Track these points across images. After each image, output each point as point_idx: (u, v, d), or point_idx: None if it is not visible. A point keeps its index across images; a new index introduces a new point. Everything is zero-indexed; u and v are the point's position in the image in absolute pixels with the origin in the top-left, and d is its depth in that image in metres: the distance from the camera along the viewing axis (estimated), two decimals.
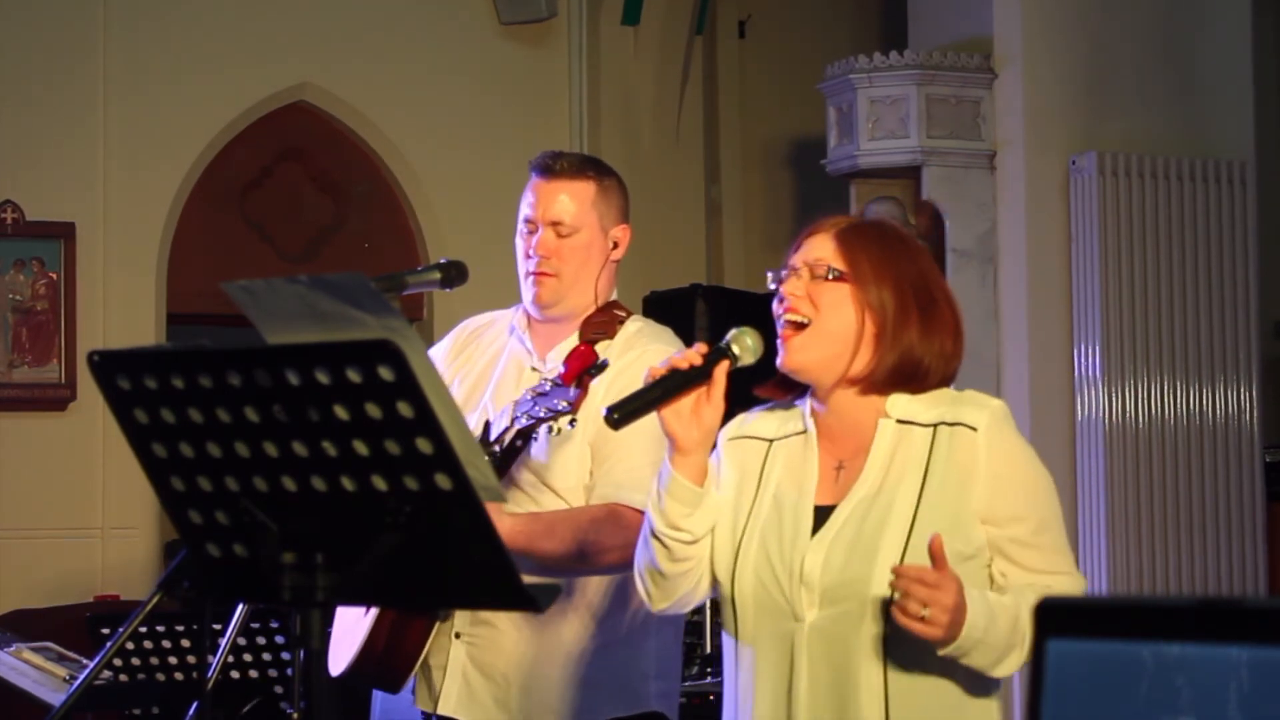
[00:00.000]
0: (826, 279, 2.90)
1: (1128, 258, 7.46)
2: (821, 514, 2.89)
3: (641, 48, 9.03)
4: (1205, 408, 7.52)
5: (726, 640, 2.99)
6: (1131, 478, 7.37)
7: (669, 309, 6.89)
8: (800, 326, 2.90)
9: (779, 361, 2.93)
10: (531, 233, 3.65)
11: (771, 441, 3.00)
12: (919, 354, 2.89)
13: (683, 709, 4.10)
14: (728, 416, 2.98)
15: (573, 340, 3.63)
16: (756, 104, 9.57)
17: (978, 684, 2.88)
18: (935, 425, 2.88)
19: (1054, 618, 1.42)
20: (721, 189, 9.40)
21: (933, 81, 7.47)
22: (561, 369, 3.56)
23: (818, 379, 2.92)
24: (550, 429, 3.45)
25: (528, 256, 3.65)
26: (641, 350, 3.57)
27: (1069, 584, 2.91)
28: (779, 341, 2.93)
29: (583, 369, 3.54)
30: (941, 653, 2.77)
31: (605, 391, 3.51)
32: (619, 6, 8.89)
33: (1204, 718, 1.34)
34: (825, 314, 2.89)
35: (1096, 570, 7.30)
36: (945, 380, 2.94)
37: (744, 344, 2.90)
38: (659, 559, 2.93)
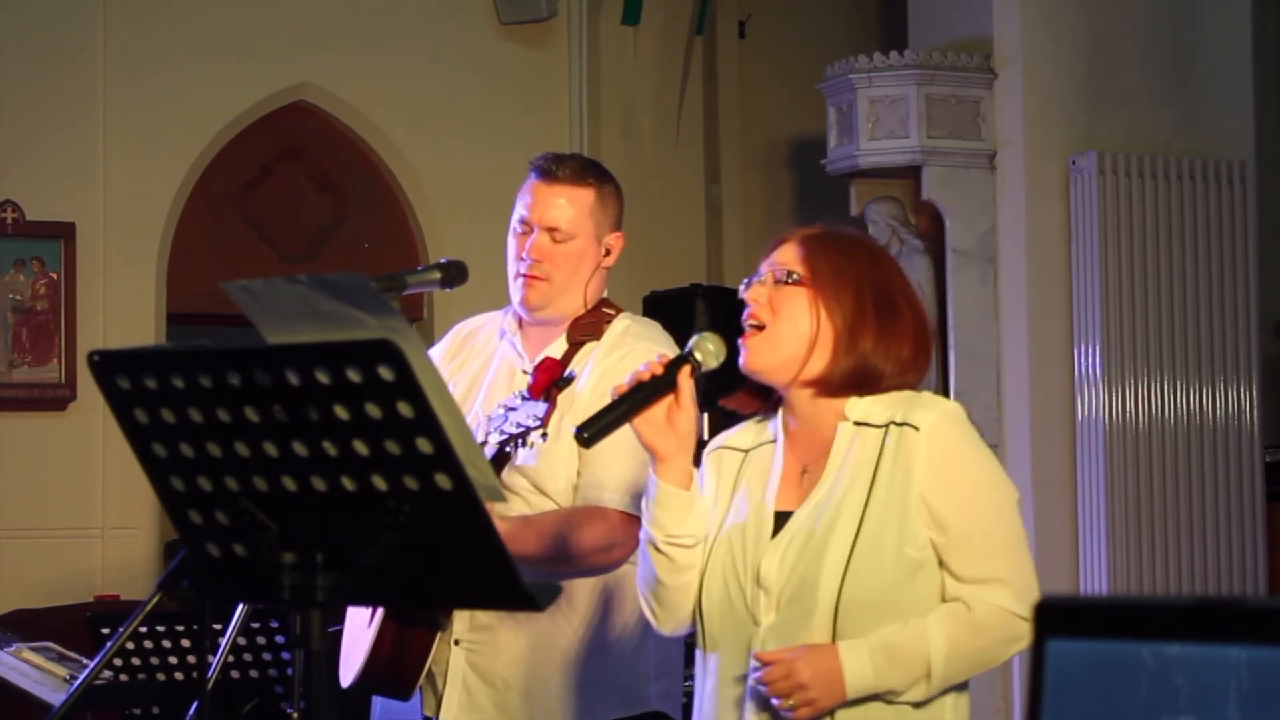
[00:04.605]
0: (786, 283, 2.94)
1: (1128, 258, 7.46)
2: (783, 519, 2.92)
3: (641, 48, 9.03)
4: (1205, 408, 7.52)
5: (697, 654, 3.01)
6: (1131, 478, 7.37)
7: (669, 309, 6.89)
8: (759, 330, 2.94)
9: (740, 364, 2.95)
10: (525, 234, 3.64)
11: (747, 452, 3.03)
12: (873, 360, 2.91)
13: (686, 709, 4.10)
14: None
15: (561, 343, 3.63)
16: (756, 104, 9.56)
17: None
18: (886, 425, 2.89)
19: (1054, 618, 1.42)
20: (721, 189, 9.40)
21: (933, 81, 7.47)
22: (530, 380, 3.57)
23: (774, 380, 2.95)
24: (521, 443, 3.46)
25: (519, 258, 3.65)
26: (627, 350, 3.57)
27: (1000, 594, 2.84)
28: (740, 345, 2.96)
29: (550, 382, 3.55)
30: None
31: (591, 393, 3.52)
32: (619, 6, 8.88)
33: (1204, 718, 1.34)
34: (781, 318, 2.93)
35: (1096, 570, 7.30)
36: (902, 388, 2.95)
37: (705, 349, 2.93)
38: (662, 572, 2.95)
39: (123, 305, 8.02)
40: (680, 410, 2.89)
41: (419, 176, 8.67)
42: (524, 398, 3.54)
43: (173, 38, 8.19)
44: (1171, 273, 7.53)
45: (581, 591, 3.55)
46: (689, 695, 5.50)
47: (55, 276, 7.90)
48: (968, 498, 2.87)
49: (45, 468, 7.86)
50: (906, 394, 2.93)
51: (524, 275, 3.63)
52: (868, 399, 2.92)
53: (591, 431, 2.84)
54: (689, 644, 6.09)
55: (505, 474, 3.52)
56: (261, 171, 8.56)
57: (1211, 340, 7.55)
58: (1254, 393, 7.60)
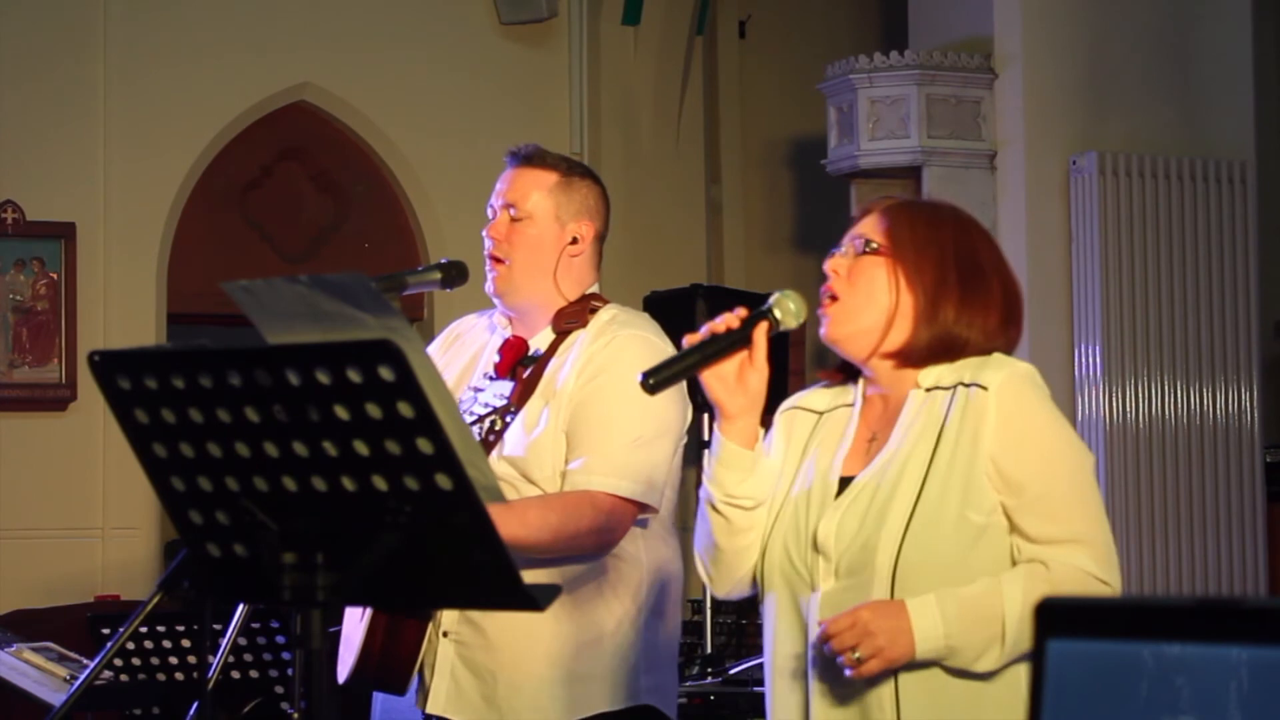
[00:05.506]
0: (865, 253, 2.86)
1: (1128, 258, 7.46)
2: (847, 484, 2.84)
3: (641, 48, 9.03)
4: (1205, 408, 7.52)
5: (764, 613, 2.93)
6: (1131, 478, 7.37)
7: (669, 309, 6.88)
8: (834, 301, 2.86)
9: (820, 334, 2.88)
10: (492, 217, 3.70)
11: (821, 414, 2.95)
12: (956, 330, 2.83)
13: (683, 709, 4.08)
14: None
15: (547, 333, 3.63)
16: (756, 104, 9.56)
17: None
18: (954, 387, 2.81)
19: (1054, 618, 1.42)
20: (722, 189, 9.40)
21: (933, 81, 7.47)
22: (497, 358, 3.58)
23: (852, 351, 2.87)
24: (492, 424, 3.46)
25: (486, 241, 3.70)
26: (612, 336, 3.56)
27: (1079, 556, 2.78)
28: (820, 315, 2.89)
29: (515, 360, 3.55)
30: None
31: (576, 380, 3.51)
32: (619, 6, 8.89)
33: (1204, 718, 1.34)
34: (858, 288, 2.85)
35: None
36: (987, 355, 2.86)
37: (786, 307, 2.82)
38: (718, 534, 2.87)
39: (123, 305, 8.03)
40: (753, 368, 2.79)
41: (419, 176, 8.67)
42: (490, 378, 3.54)
43: (173, 38, 8.19)
44: (1172, 273, 7.53)
45: (570, 584, 3.53)
46: (686, 696, 5.52)
47: (55, 276, 7.90)
48: (1042, 458, 2.78)
49: (45, 468, 7.87)
50: (976, 358, 2.83)
51: (487, 257, 3.66)
52: (943, 365, 2.83)
53: (658, 378, 2.74)
54: (689, 644, 6.08)
55: (492, 462, 3.51)
56: (262, 171, 8.56)
57: (1211, 340, 7.55)
58: (1254, 393, 7.60)
